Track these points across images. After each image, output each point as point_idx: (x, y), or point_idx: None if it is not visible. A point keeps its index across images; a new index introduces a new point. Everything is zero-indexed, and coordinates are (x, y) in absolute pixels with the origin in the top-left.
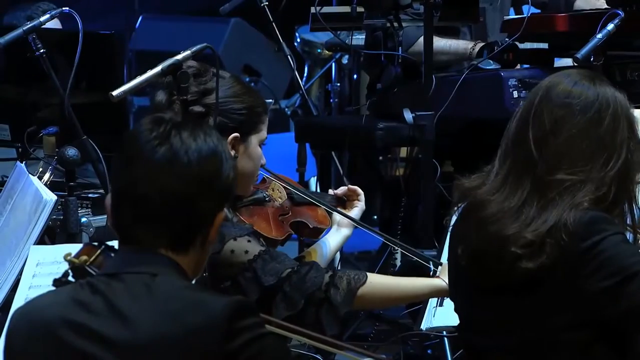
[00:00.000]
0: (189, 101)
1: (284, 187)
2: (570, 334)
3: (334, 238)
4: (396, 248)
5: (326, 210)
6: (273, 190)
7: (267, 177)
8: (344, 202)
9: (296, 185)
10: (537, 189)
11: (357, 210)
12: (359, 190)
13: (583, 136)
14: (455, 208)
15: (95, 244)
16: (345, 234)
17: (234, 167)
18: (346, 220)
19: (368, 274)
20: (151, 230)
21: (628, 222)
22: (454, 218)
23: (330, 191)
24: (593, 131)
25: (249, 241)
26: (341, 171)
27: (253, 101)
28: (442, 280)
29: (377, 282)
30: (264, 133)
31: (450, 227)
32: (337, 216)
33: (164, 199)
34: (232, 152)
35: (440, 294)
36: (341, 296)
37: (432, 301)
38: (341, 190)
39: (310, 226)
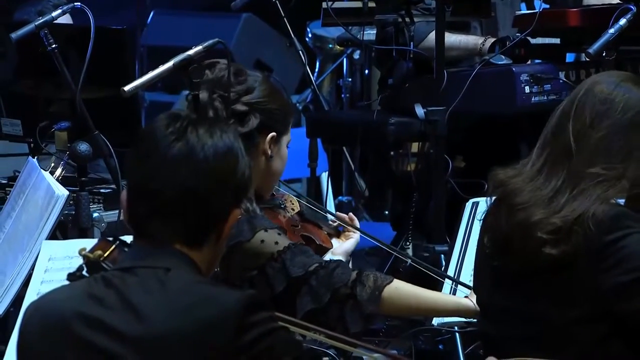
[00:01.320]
0: (232, 99)
1: (298, 201)
2: (586, 327)
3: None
4: (407, 244)
5: (327, 235)
6: (287, 201)
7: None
8: (339, 233)
9: (306, 200)
10: (571, 180)
11: (352, 241)
12: (357, 221)
13: (621, 135)
14: (488, 199)
15: (110, 239)
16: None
17: (250, 166)
18: (342, 248)
19: (394, 278)
20: (166, 225)
21: None
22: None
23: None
24: (632, 131)
25: (279, 234)
26: (352, 166)
27: (286, 102)
28: (471, 301)
29: (403, 286)
30: (289, 135)
31: (482, 217)
32: (334, 242)
33: (180, 194)
34: (269, 152)
35: (466, 314)
36: (367, 293)
37: None
38: (341, 217)
39: (317, 242)
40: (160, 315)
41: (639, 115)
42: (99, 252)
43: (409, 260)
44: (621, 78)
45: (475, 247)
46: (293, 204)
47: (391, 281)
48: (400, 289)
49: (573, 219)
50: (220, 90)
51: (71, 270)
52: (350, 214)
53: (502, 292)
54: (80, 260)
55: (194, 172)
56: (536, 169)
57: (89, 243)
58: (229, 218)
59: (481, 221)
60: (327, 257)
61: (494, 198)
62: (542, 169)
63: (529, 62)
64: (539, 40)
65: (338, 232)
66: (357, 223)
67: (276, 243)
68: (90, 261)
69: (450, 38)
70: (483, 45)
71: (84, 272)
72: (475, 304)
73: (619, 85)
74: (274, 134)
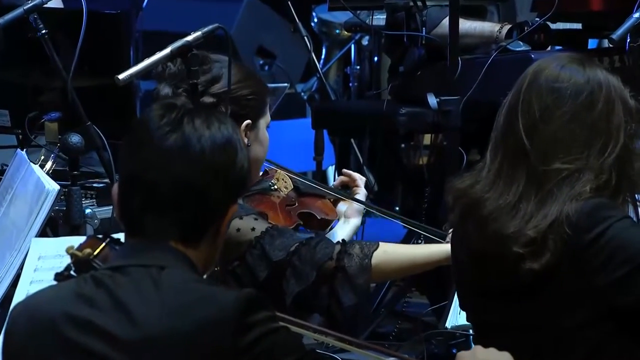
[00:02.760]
0: (199, 91)
1: (289, 176)
2: (588, 330)
3: (343, 230)
4: (421, 237)
5: (333, 202)
6: (278, 180)
7: (269, 168)
8: (343, 193)
9: (297, 175)
10: (532, 182)
11: (359, 197)
12: (355, 175)
13: (575, 122)
14: (452, 213)
15: (100, 236)
16: (354, 223)
17: (248, 158)
18: (353, 208)
19: (380, 242)
20: (160, 220)
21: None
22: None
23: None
24: (586, 116)
25: (255, 219)
26: (361, 160)
27: (257, 84)
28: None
29: (391, 248)
30: (268, 115)
31: (450, 234)
32: (342, 207)
33: (175, 187)
34: (245, 141)
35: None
36: (356, 263)
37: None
38: (338, 180)
39: (318, 217)
40: (154, 316)
41: (590, 96)
42: (88, 250)
43: (421, 233)
44: (564, 61)
45: (451, 267)
46: (286, 182)
47: (378, 246)
48: (389, 252)
49: (546, 227)
50: (184, 84)
51: (59, 271)
52: (344, 170)
53: (490, 310)
54: (69, 259)
55: (190, 164)
56: (493, 174)
57: (80, 241)
58: (227, 213)
59: (449, 239)
60: (340, 223)
61: (457, 212)
62: (500, 174)
63: (548, 48)
64: (560, 26)
65: (343, 195)
66: (356, 177)
67: (253, 229)
68: (79, 260)
69: (465, 24)
70: (499, 33)
71: (72, 272)
72: None
73: (564, 69)
74: (248, 121)
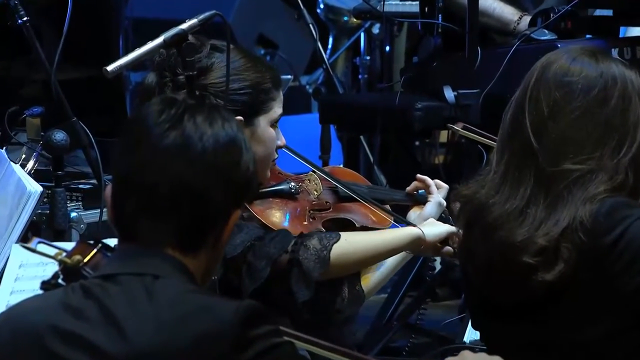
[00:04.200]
0: (180, 84)
1: (323, 178)
2: (620, 339)
3: None
4: None
5: (398, 208)
6: (309, 182)
7: (310, 173)
8: (418, 199)
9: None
10: (541, 184)
11: (430, 206)
12: (430, 182)
13: (587, 118)
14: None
15: (91, 242)
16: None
17: (254, 160)
18: (422, 218)
19: (340, 232)
20: (156, 225)
21: None
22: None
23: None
24: (599, 112)
25: None
26: (371, 158)
27: (258, 77)
28: (418, 228)
29: (352, 239)
30: (276, 111)
31: (457, 246)
32: (411, 215)
33: (173, 189)
34: None
35: (419, 242)
36: (312, 255)
37: None
38: (412, 185)
39: (357, 225)
40: (147, 330)
41: (603, 92)
42: (78, 256)
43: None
44: (575, 53)
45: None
46: (316, 183)
47: (339, 238)
48: (349, 241)
49: (558, 234)
50: (170, 72)
51: (45, 278)
52: (419, 175)
53: (502, 328)
54: (55, 267)
55: (190, 165)
56: (499, 177)
57: (66, 247)
58: (230, 219)
59: (457, 250)
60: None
61: (462, 220)
62: (506, 177)
63: (576, 37)
64: (589, 12)
65: (418, 200)
66: (431, 184)
67: None
68: (68, 267)
69: (486, 2)
70: (518, 24)
71: (60, 280)
72: (425, 233)
73: (575, 62)
74: (239, 118)
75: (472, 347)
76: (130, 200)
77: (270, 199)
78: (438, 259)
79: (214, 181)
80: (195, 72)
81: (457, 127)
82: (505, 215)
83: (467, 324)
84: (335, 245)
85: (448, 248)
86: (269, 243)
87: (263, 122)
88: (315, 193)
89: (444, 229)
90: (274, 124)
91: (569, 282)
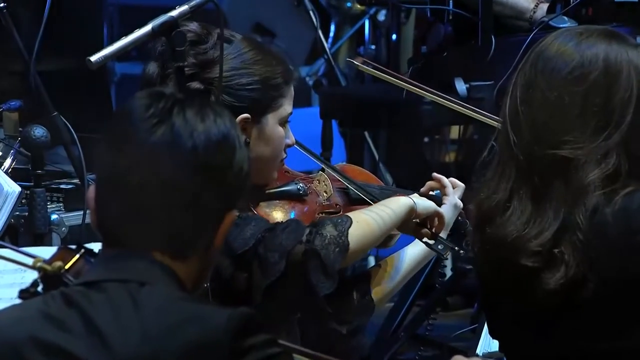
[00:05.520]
0: (186, 75)
1: (334, 177)
2: None
3: (417, 246)
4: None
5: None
6: (319, 182)
7: (322, 174)
8: (433, 200)
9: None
10: (522, 176)
11: (444, 209)
12: (446, 181)
13: (562, 100)
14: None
15: (73, 247)
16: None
17: (249, 158)
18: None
19: (348, 214)
20: (143, 229)
21: None
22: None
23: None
24: (574, 91)
25: None
26: (376, 156)
27: (268, 71)
28: (410, 198)
29: (360, 217)
30: (286, 109)
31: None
32: None
33: (161, 190)
34: (243, 137)
35: (412, 213)
36: (331, 244)
37: None
38: (426, 185)
39: None
40: (132, 340)
41: (579, 70)
42: (59, 263)
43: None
44: (559, 33)
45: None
46: (326, 184)
47: (351, 220)
48: (361, 221)
49: (552, 236)
50: (173, 58)
51: (24, 286)
52: (434, 174)
53: (520, 338)
54: (35, 274)
55: (179, 164)
56: (491, 172)
57: (46, 252)
58: (223, 222)
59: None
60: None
61: (473, 224)
62: (496, 171)
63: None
64: None
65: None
66: (447, 184)
67: None
68: (48, 274)
69: None
70: (534, 12)
71: (40, 289)
72: (416, 203)
73: (555, 41)
74: (245, 115)
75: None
76: (114, 203)
77: (277, 201)
78: (449, 265)
79: (205, 181)
80: (186, 63)
81: (357, 62)
82: (491, 209)
83: (480, 334)
84: (350, 230)
85: (426, 230)
86: (281, 234)
87: (272, 120)
88: (325, 195)
89: (433, 205)
90: (283, 123)
91: (586, 286)
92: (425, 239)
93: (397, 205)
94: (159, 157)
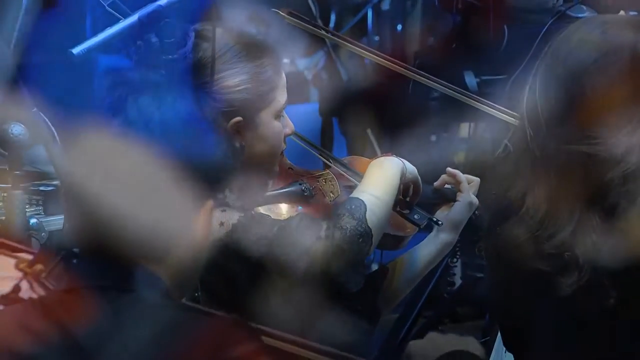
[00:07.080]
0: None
1: (340, 175)
2: None
3: (428, 246)
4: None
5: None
6: (325, 182)
7: (328, 172)
8: (447, 196)
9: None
10: (537, 173)
11: (458, 207)
12: (461, 177)
13: (582, 92)
14: None
15: (54, 250)
16: (444, 240)
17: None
18: (446, 220)
19: (359, 198)
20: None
21: None
22: None
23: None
24: (597, 84)
25: (223, 211)
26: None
27: (255, 65)
28: (398, 158)
29: (367, 197)
30: (279, 101)
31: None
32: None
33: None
34: (238, 140)
35: (403, 173)
36: (354, 236)
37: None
38: (439, 180)
39: None
40: (112, 352)
41: (604, 59)
42: (39, 266)
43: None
44: (582, 22)
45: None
46: (333, 184)
47: (365, 203)
48: (370, 199)
49: (571, 240)
50: (162, 51)
51: (3, 292)
52: (449, 169)
53: (546, 353)
54: (14, 280)
55: (137, 157)
56: (505, 171)
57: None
58: (198, 215)
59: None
60: (431, 236)
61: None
62: (510, 164)
63: (620, 13)
64: None
65: (447, 197)
66: (462, 179)
67: (221, 224)
68: (28, 279)
69: None
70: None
71: (20, 294)
72: (405, 165)
73: (577, 31)
74: (238, 118)
75: None
76: (82, 211)
77: (280, 205)
78: (458, 273)
79: (166, 172)
80: (175, 56)
81: (283, 13)
82: (504, 209)
83: (492, 347)
84: (367, 214)
85: (401, 198)
86: (295, 232)
87: (266, 117)
88: (332, 195)
89: (416, 171)
90: (278, 116)
91: (606, 294)
92: (398, 208)
93: (392, 168)
94: (115, 152)
